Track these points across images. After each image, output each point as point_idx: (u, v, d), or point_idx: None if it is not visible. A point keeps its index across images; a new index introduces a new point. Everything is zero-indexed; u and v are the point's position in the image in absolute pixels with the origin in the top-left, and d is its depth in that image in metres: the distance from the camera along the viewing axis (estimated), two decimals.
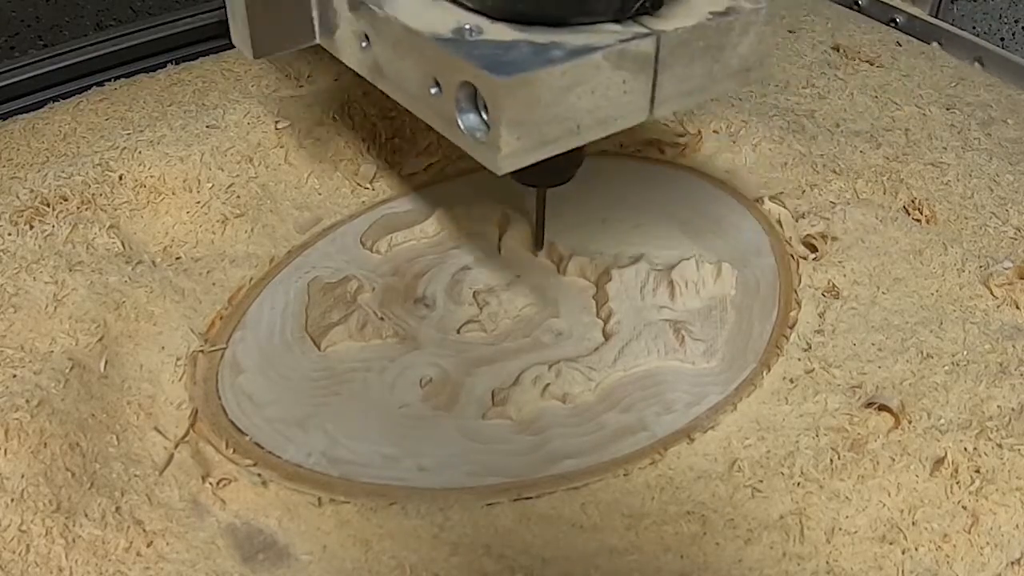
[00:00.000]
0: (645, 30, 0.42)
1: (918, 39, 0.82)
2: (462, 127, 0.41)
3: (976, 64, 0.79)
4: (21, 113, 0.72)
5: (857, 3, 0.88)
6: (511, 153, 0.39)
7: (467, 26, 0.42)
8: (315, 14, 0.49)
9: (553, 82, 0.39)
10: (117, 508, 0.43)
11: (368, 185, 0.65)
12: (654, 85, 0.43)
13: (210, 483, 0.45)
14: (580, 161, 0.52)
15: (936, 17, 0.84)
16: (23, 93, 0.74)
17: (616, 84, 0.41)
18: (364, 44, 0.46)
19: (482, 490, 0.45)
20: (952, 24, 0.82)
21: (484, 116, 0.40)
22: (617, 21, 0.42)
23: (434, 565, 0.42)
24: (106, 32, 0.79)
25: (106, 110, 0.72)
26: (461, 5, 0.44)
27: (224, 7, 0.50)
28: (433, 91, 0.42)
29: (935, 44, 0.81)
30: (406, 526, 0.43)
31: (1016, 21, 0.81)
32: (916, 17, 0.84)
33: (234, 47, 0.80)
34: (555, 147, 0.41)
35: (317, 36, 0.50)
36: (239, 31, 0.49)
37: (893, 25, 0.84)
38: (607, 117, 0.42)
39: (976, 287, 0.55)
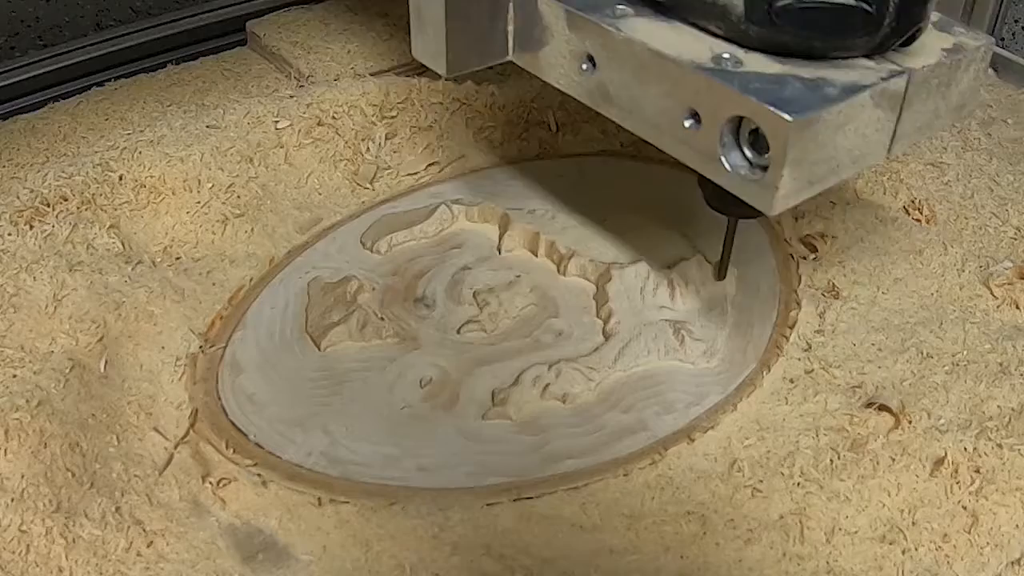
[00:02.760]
0: (898, 67, 0.40)
1: None
2: (727, 165, 0.39)
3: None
4: (21, 113, 0.72)
5: None
6: (787, 193, 0.38)
7: (724, 55, 0.39)
8: (510, 29, 0.47)
9: (831, 121, 0.38)
10: (117, 508, 0.43)
11: (368, 185, 0.65)
12: (897, 122, 0.41)
13: (210, 483, 0.45)
14: None
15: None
16: (23, 93, 0.74)
17: (873, 122, 0.40)
18: (586, 66, 0.43)
19: (482, 490, 0.45)
20: (1006, 48, 0.81)
21: (747, 153, 0.38)
22: (868, 56, 0.41)
23: (434, 565, 0.42)
24: (106, 32, 0.79)
25: (106, 110, 0.72)
26: (705, 31, 0.41)
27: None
28: (688, 123, 0.40)
29: (990, 71, 0.80)
30: (406, 526, 0.43)
31: (1016, 21, 0.81)
32: None
33: (234, 47, 0.81)
34: (820, 186, 0.39)
35: (510, 52, 0.47)
36: (429, 46, 0.46)
37: None
38: (859, 156, 0.40)
39: (976, 287, 0.55)
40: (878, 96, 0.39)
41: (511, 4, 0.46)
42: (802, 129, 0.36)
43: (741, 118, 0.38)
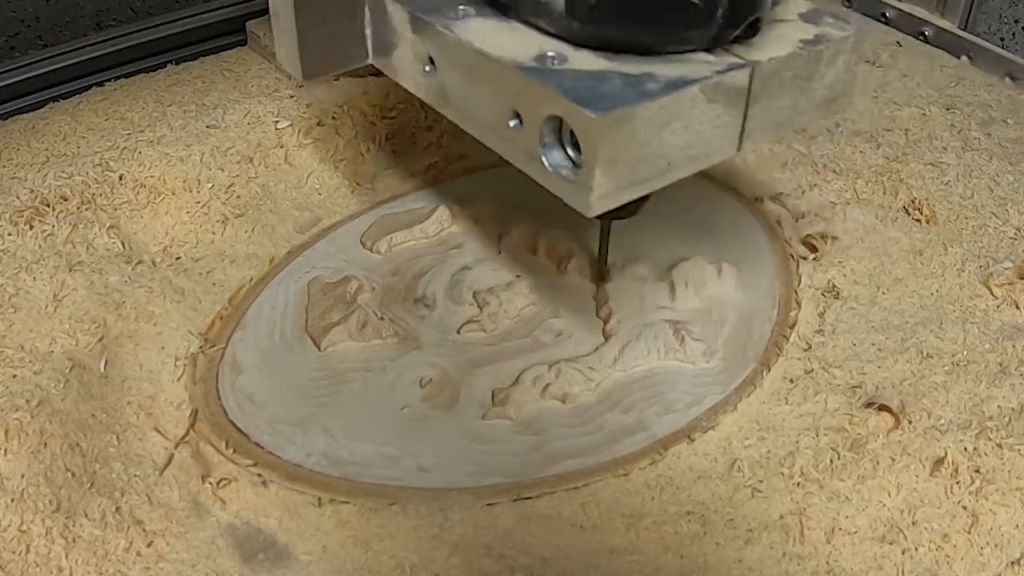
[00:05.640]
0: (740, 60, 0.39)
1: (948, 52, 0.81)
2: (547, 164, 0.38)
3: (1007, 79, 0.77)
4: (21, 113, 0.72)
5: (884, 15, 0.87)
6: (603, 194, 0.37)
7: (550, 53, 0.39)
8: (368, 32, 0.46)
9: (650, 118, 0.36)
10: (117, 508, 0.43)
11: (368, 185, 0.65)
12: (744, 118, 0.40)
13: (210, 483, 0.45)
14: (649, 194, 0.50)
15: (965, 30, 0.82)
16: (23, 93, 0.74)
17: (709, 118, 0.38)
18: (428, 68, 0.43)
19: (482, 490, 0.45)
20: (981, 37, 0.81)
21: (570, 153, 0.37)
22: (708, 50, 0.39)
23: (434, 565, 0.42)
24: (106, 32, 0.79)
25: (106, 110, 0.72)
26: (539, 30, 0.40)
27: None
28: (512, 124, 0.39)
29: (964, 58, 0.80)
30: (406, 526, 0.43)
31: (1016, 21, 0.81)
32: (945, 30, 0.82)
33: (234, 47, 0.81)
34: (646, 186, 0.38)
35: (370, 56, 0.47)
36: (286, 51, 0.46)
37: (921, 38, 0.82)
38: (698, 153, 0.39)
39: (976, 287, 0.55)
40: (712, 91, 0.38)
41: (367, 7, 0.45)
42: (611, 126, 0.35)
43: (561, 118, 0.37)
